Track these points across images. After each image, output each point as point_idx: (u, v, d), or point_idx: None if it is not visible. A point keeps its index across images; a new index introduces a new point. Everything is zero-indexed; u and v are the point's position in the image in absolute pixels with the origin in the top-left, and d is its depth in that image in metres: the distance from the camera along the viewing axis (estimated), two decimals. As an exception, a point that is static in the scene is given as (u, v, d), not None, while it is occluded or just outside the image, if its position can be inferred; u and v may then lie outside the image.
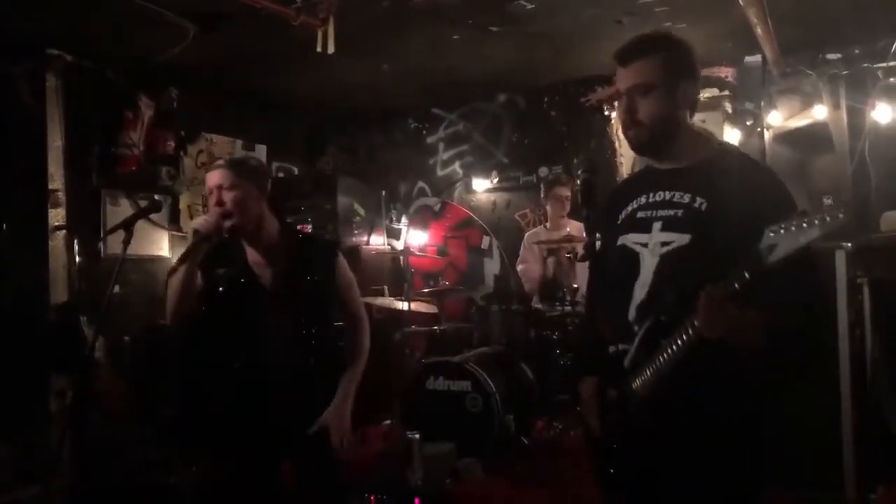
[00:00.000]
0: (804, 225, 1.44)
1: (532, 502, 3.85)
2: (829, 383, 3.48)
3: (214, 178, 2.69)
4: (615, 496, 1.96)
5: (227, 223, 2.64)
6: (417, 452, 3.95)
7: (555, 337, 4.93)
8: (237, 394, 2.77)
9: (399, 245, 6.87)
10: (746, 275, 1.54)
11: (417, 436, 4.00)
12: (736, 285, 1.56)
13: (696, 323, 1.63)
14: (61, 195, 4.78)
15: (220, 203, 2.65)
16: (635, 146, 1.94)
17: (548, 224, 5.55)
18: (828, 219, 1.41)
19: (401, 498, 3.74)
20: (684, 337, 1.67)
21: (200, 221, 2.64)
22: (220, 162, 2.77)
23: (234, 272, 2.75)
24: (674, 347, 1.71)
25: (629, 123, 1.89)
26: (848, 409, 3.48)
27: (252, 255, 2.77)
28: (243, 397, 2.76)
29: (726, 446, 1.76)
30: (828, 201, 4.90)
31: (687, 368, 1.70)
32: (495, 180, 6.65)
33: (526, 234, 5.78)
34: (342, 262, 2.88)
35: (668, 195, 1.89)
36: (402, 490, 3.82)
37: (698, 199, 1.83)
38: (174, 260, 5.52)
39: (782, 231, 1.47)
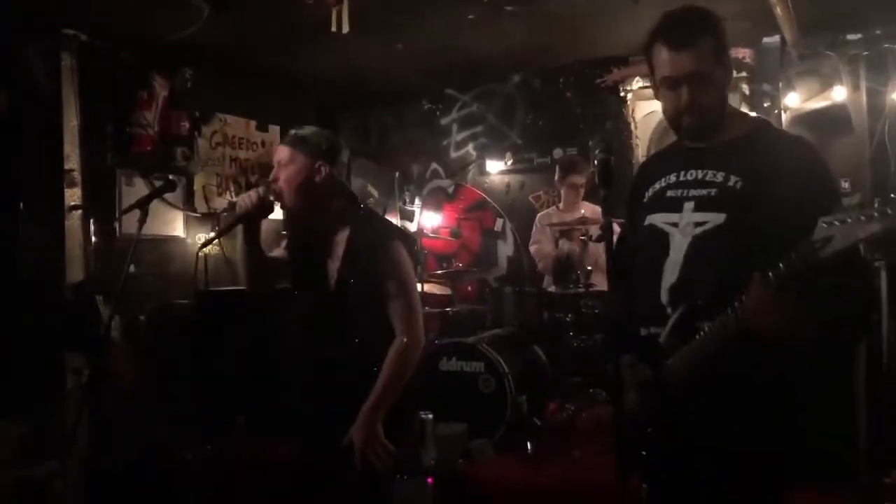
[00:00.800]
0: (862, 218, 1.37)
1: (544, 483, 3.86)
2: (843, 367, 3.47)
3: (277, 153, 2.62)
4: (636, 477, 1.90)
5: (283, 200, 2.56)
6: (430, 433, 3.97)
7: (568, 319, 4.92)
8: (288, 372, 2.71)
9: (412, 227, 6.86)
10: (799, 267, 1.48)
11: (430, 416, 4.02)
12: (784, 279, 1.50)
13: (740, 314, 1.58)
14: (77, 175, 4.80)
15: (275, 179, 2.58)
16: (691, 133, 1.88)
17: (560, 205, 5.53)
18: (890, 211, 1.35)
19: (413, 478, 3.76)
20: (726, 326, 1.62)
21: (242, 198, 2.57)
22: (288, 135, 2.64)
23: (307, 255, 2.67)
24: (713, 334, 1.66)
25: (687, 110, 1.81)
26: (862, 393, 3.47)
27: (317, 231, 2.66)
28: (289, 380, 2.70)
29: (761, 433, 1.73)
30: (845, 184, 4.85)
31: (725, 354, 1.66)
32: (509, 162, 6.62)
33: (538, 215, 5.76)
34: (396, 256, 2.56)
35: (700, 174, 1.83)
36: (414, 470, 3.84)
37: (733, 178, 1.77)
38: (189, 240, 5.60)
39: (837, 223, 1.40)
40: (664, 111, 1.90)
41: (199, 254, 4.49)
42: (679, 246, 1.80)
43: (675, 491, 1.87)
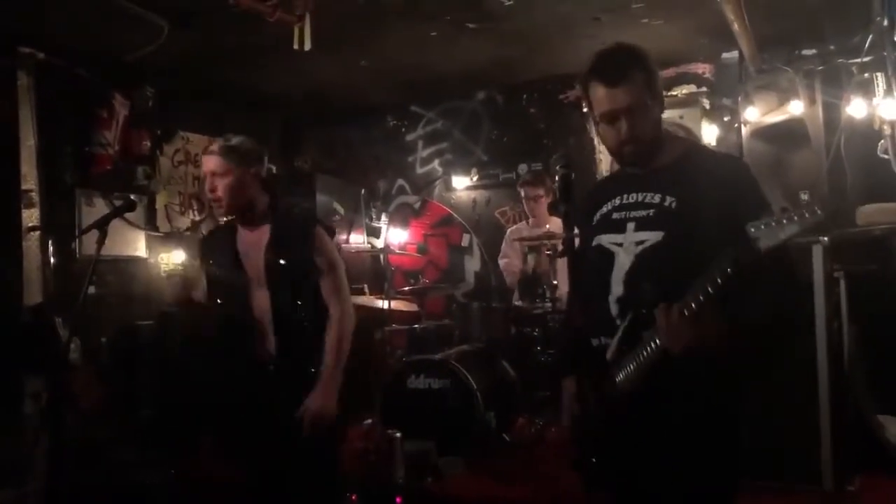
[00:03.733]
0: (784, 221, 1.49)
1: (514, 499, 3.84)
2: (806, 375, 3.51)
3: (209, 163, 2.80)
4: (595, 489, 2.01)
5: (221, 208, 2.80)
6: (399, 450, 3.94)
7: (535, 334, 4.93)
8: (229, 378, 2.87)
9: (379, 243, 6.83)
10: (711, 282, 1.62)
11: (398, 434, 3.99)
12: (691, 301, 1.66)
13: (656, 338, 1.74)
14: (35, 195, 4.71)
15: (213, 189, 2.78)
16: (631, 161, 2.01)
17: (530, 220, 5.55)
18: (807, 215, 1.46)
19: (382, 496, 3.73)
20: (650, 347, 1.78)
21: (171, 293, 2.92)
22: (214, 147, 2.81)
23: (223, 261, 2.86)
24: (647, 350, 1.80)
25: (627, 141, 1.94)
26: (825, 400, 3.51)
27: (243, 235, 2.87)
28: (233, 383, 2.85)
29: (705, 438, 1.83)
30: (804, 196, 4.94)
31: (664, 365, 1.78)
32: (475, 178, 6.64)
33: (508, 230, 5.77)
34: (321, 235, 2.84)
35: (640, 196, 1.97)
36: (383, 488, 3.80)
37: (668, 199, 1.91)
38: (151, 260, 5.54)
39: (763, 227, 1.52)
40: (605, 143, 2.05)
41: (162, 274, 4.48)
42: (623, 263, 1.94)
43: (631, 499, 1.96)
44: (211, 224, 5.87)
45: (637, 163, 2.02)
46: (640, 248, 1.91)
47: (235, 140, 2.82)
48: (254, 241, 2.83)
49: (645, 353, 1.81)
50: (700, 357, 1.71)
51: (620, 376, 1.89)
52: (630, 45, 1.98)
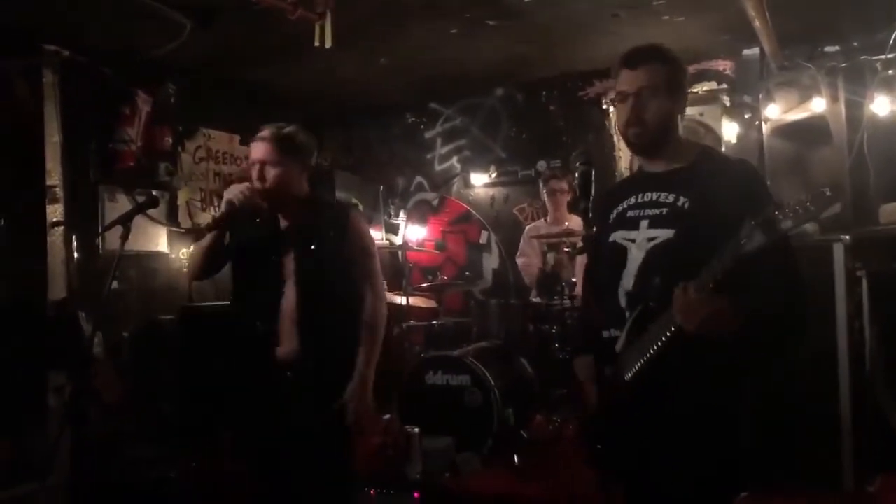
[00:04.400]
0: (779, 214, 1.56)
1: (531, 496, 3.85)
2: (827, 374, 3.49)
3: (258, 151, 2.64)
4: (607, 477, 2.09)
5: (266, 199, 2.64)
6: (416, 446, 3.96)
7: (553, 331, 4.93)
8: (261, 362, 2.72)
9: (397, 240, 6.86)
10: (724, 263, 1.68)
11: (416, 430, 4.01)
12: (710, 278, 1.71)
13: (673, 312, 1.78)
14: (59, 191, 4.76)
15: (261, 178, 2.62)
16: (635, 144, 2.09)
17: (548, 218, 5.55)
18: (800, 210, 1.54)
19: (400, 492, 3.75)
20: (667, 324, 1.81)
21: (235, 193, 2.59)
22: (265, 133, 2.67)
23: (267, 239, 2.73)
24: (659, 336, 1.84)
25: (634, 121, 2.02)
26: (846, 400, 3.49)
27: (283, 224, 2.76)
28: (264, 368, 2.71)
29: (709, 429, 1.88)
30: (826, 194, 4.89)
31: (672, 354, 1.83)
32: (493, 175, 6.64)
33: (526, 228, 5.77)
34: (356, 223, 2.76)
35: (654, 196, 2.05)
36: (401, 484, 3.82)
37: (681, 199, 1.98)
38: (172, 256, 5.58)
39: (760, 221, 1.59)
40: (618, 126, 2.16)
41: (184, 269, 4.48)
42: (635, 258, 2.01)
43: (642, 486, 2.01)
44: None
45: (642, 150, 2.11)
46: (652, 244, 1.98)
47: (289, 129, 2.69)
48: (294, 230, 2.73)
49: (656, 345, 1.84)
50: (711, 340, 1.75)
51: (628, 366, 1.94)
52: (662, 46, 2.09)
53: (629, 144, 2.12)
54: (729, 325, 1.74)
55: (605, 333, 2.07)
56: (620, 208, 2.12)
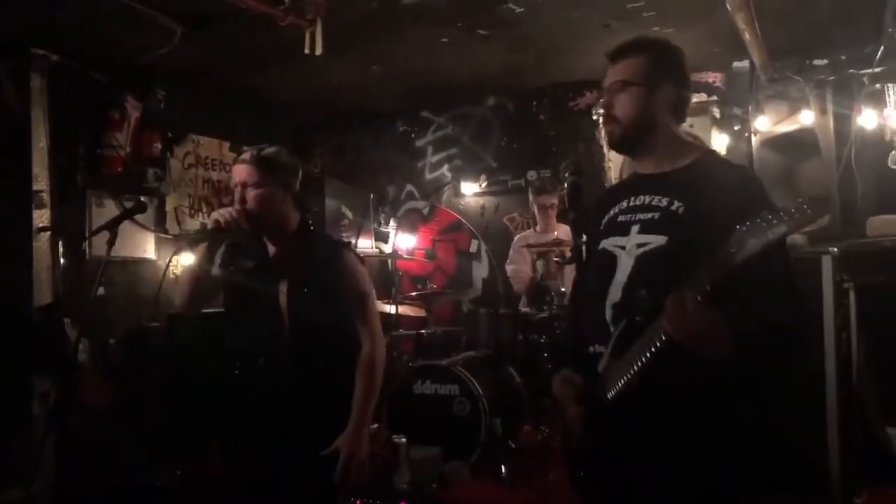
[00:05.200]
0: (773, 220, 1.43)
1: (519, 506, 3.84)
2: (815, 387, 3.49)
3: (240, 173, 2.57)
4: (589, 496, 1.98)
5: (249, 222, 2.54)
6: (404, 456, 3.94)
7: (542, 341, 4.92)
8: (248, 396, 2.64)
9: (387, 248, 6.85)
10: (715, 271, 1.53)
11: (404, 439, 3.99)
12: (703, 286, 1.56)
13: (664, 323, 1.63)
14: (46, 196, 4.73)
15: (242, 201, 2.55)
16: (610, 142, 2.00)
17: (538, 227, 5.55)
18: (796, 214, 1.41)
19: (387, 502, 3.72)
20: (654, 337, 1.66)
21: (221, 213, 2.51)
22: (245, 156, 2.59)
23: (257, 267, 2.64)
24: (645, 348, 1.70)
25: (606, 119, 1.95)
26: (833, 412, 3.49)
27: (272, 250, 2.66)
28: (252, 401, 2.63)
29: (697, 447, 1.76)
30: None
31: (659, 369, 1.69)
32: (484, 184, 6.65)
33: (516, 237, 5.78)
34: (350, 263, 2.64)
35: (646, 199, 1.92)
36: (388, 494, 3.80)
37: (675, 203, 1.86)
38: (160, 262, 5.53)
39: (748, 224, 1.46)
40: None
41: (168, 275, 4.44)
42: (625, 266, 1.88)
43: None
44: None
45: (619, 148, 2.01)
46: (642, 250, 1.85)
47: (269, 150, 2.60)
48: (282, 258, 2.65)
49: (641, 360, 1.70)
50: (702, 352, 1.61)
51: (611, 385, 1.81)
52: (656, 35, 2.01)
53: (609, 142, 2.02)
54: (720, 342, 1.60)
55: (591, 349, 1.94)
56: (612, 213, 2.00)
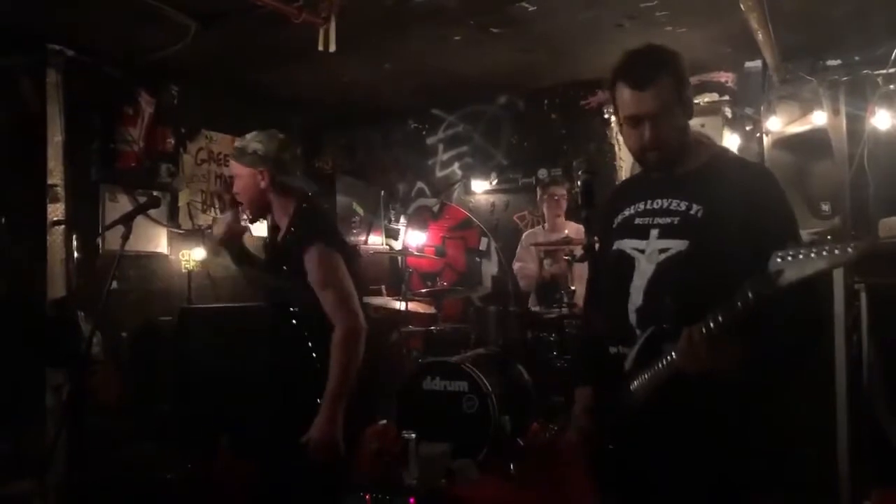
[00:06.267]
0: (812, 255, 1.43)
1: (527, 503, 3.85)
2: (824, 388, 3.49)
3: (231, 167, 2.78)
4: (611, 498, 1.99)
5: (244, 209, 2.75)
6: (413, 452, 3.96)
7: (551, 338, 4.94)
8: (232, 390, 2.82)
9: (397, 245, 6.88)
10: (749, 298, 1.54)
11: (413, 436, 4.01)
12: (712, 325, 1.60)
13: (674, 356, 1.68)
14: (60, 190, 4.77)
15: (236, 192, 2.74)
16: (657, 166, 1.95)
17: (545, 225, 5.56)
18: (837, 251, 1.40)
19: (396, 497, 3.74)
20: (666, 360, 1.72)
21: (217, 226, 2.78)
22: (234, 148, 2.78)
23: (250, 267, 2.86)
24: (662, 365, 1.75)
25: (651, 146, 1.88)
26: (843, 414, 3.49)
27: (280, 234, 2.76)
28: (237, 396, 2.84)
29: (718, 451, 1.79)
30: (825, 207, 4.91)
31: (680, 379, 1.73)
32: (494, 182, 6.66)
33: (524, 234, 5.78)
34: (314, 256, 2.55)
35: (665, 203, 1.92)
36: (397, 490, 3.82)
37: (695, 207, 1.85)
38: (172, 257, 5.59)
39: (790, 258, 1.46)
40: (628, 147, 1.98)
41: (183, 271, 4.48)
42: (645, 271, 1.88)
43: None
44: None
45: (661, 168, 1.96)
46: (663, 256, 1.86)
47: (243, 140, 2.71)
48: (272, 250, 2.82)
49: (661, 366, 1.76)
50: (714, 378, 1.67)
51: (636, 386, 1.85)
52: (662, 47, 1.92)
53: (645, 165, 1.98)
54: (736, 367, 1.64)
55: (612, 349, 1.96)
56: (627, 213, 2.00)
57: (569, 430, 4.33)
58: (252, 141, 2.68)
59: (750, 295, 1.54)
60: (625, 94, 1.88)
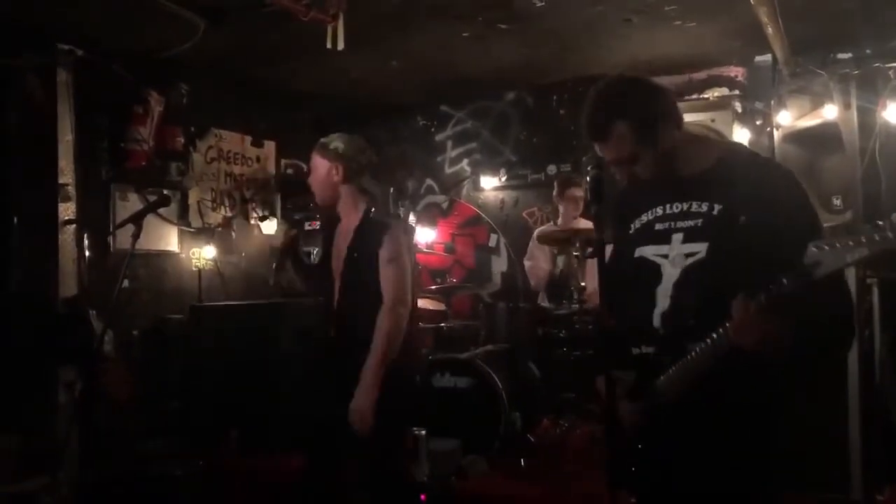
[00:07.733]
0: (850, 244, 1.44)
1: (537, 499, 3.85)
2: (836, 383, 3.47)
3: (311, 160, 3.08)
4: (624, 491, 1.96)
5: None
6: (423, 448, 3.96)
7: (561, 335, 4.92)
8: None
9: (407, 242, 6.86)
10: (788, 289, 1.55)
11: (423, 432, 4.01)
12: (765, 298, 1.59)
13: (728, 329, 1.67)
14: (71, 189, 4.80)
15: (311, 182, 3.06)
16: (646, 182, 1.98)
17: (559, 221, 5.54)
18: (877, 238, 1.41)
19: (407, 494, 3.75)
20: (716, 340, 1.71)
21: (278, 241, 3.08)
22: (317, 143, 3.07)
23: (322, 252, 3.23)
24: (702, 350, 1.74)
25: (632, 179, 1.98)
26: (856, 409, 3.47)
27: (337, 236, 3.09)
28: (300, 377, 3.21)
29: (747, 447, 1.79)
30: (837, 202, 4.88)
31: (713, 373, 1.74)
32: (503, 178, 6.64)
33: (536, 231, 5.77)
34: (394, 236, 2.90)
35: (685, 206, 1.91)
36: (407, 486, 3.82)
37: (716, 207, 1.85)
38: (182, 255, 5.65)
39: (827, 248, 1.47)
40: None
41: (194, 269, 4.49)
42: (670, 276, 1.89)
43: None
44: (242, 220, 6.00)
45: (654, 177, 1.96)
46: (690, 260, 1.86)
47: (328, 138, 3.04)
48: (342, 236, 3.03)
49: (699, 353, 1.75)
50: (763, 354, 1.65)
51: (664, 381, 1.85)
52: (616, 88, 1.96)
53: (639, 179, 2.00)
54: (781, 345, 1.63)
55: (635, 350, 1.96)
56: (645, 219, 1.99)
57: (583, 421, 4.35)
58: (336, 139, 3.03)
59: (792, 279, 1.54)
60: (593, 143, 1.96)
